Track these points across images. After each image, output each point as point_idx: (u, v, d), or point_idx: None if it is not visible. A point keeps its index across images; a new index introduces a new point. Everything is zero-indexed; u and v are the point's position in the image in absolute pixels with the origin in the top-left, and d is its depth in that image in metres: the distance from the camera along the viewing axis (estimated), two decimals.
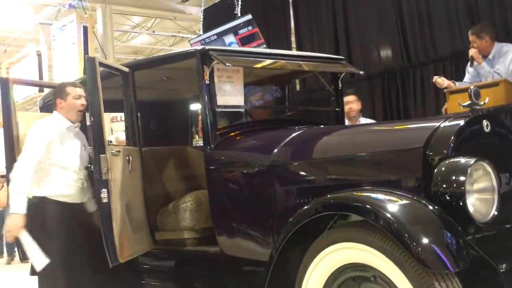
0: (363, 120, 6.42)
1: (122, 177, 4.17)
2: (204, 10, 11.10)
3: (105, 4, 12.21)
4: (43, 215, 4.31)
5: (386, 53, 7.86)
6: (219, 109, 4.13)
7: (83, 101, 4.54)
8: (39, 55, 12.09)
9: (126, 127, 4.75)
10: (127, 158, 4.30)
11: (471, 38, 5.65)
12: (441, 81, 5.59)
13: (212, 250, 4.10)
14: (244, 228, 3.87)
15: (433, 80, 5.75)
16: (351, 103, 6.22)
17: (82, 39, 11.04)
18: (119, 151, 4.20)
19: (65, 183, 4.42)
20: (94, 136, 4.01)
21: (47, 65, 12.13)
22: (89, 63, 4.08)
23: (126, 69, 4.53)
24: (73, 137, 4.52)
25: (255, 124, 4.76)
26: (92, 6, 11.78)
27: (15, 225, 4.11)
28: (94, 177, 4.02)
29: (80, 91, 4.55)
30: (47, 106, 5.45)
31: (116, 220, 3.99)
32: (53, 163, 4.37)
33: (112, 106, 5.00)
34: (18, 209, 4.12)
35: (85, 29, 11.12)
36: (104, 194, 3.96)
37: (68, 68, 11.09)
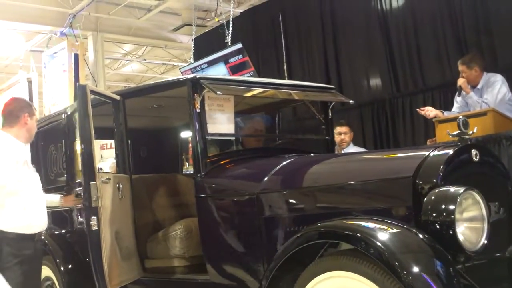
0: (354, 149, 6.44)
1: (112, 204, 4.16)
2: (195, 38, 11.17)
3: (96, 32, 12.25)
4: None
5: (375, 82, 7.93)
6: (209, 137, 4.14)
7: None
8: (30, 82, 12.04)
9: (116, 154, 4.74)
10: (117, 185, 4.29)
11: (460, 68, 5.69)
12: (429, 112, 5.59)
13: (202, 278, 4.07)
14: (234, 256, 3.85)
15: (422, 112, 5.74)
16: (344, 134, 6.28)
17: (73, 67, 11.05)
18: (109, 179, 4.19)
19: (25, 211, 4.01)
20: (84, 163, 4.00)
21: (38, 92, 12.07)
22: (80, 91, 4.09)
23: (117, 97, 4.53)
24: (27, 158, 4.15)
25: (246, 152, 4.77)
26: (83, 34, 11.82)
27: None
28: (84, 204, 4.00)
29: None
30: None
31: (105, 248, 3.96)
32: (11, 191, 3.95)
33: (103, 133, 5.00)
34: None
35: (76, 56, 11.12)
36: (93, 221, 3.94)
37: (58, 95, 11.07)
